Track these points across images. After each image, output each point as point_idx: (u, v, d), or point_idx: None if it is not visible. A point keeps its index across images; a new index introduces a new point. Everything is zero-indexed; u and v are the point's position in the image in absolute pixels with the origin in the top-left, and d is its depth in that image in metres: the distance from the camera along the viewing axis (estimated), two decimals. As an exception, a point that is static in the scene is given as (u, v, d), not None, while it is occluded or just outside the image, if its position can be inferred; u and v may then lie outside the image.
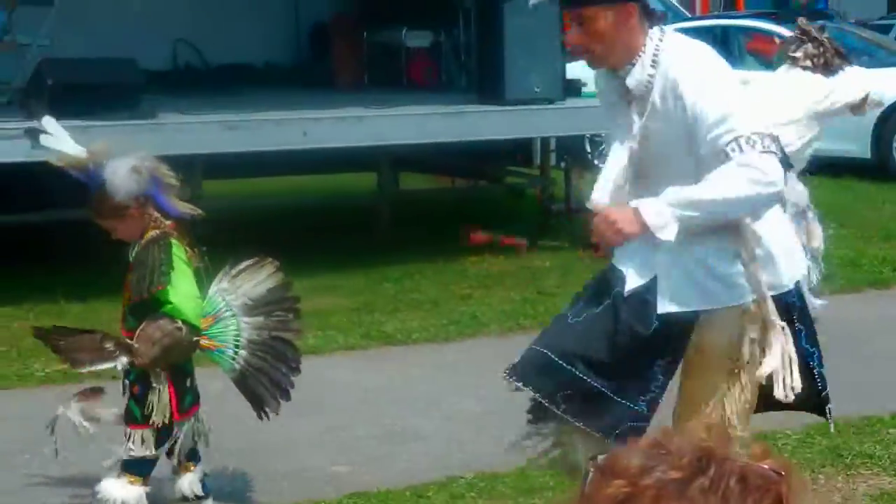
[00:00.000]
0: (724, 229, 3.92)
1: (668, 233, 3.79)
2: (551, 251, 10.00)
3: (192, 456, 5.02)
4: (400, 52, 11.11)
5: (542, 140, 10.93)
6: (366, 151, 9.62)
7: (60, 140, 4.97)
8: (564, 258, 9.70)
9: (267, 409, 5.10)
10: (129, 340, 4.86)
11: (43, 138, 5.01)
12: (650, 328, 3.96)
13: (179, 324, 4.85)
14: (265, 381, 5.10)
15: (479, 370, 6.72)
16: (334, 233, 10.15)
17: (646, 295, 3.97)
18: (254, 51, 11.57)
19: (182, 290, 4.88)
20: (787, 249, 4.08)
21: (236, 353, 5.07)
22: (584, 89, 10.26)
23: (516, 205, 11.79)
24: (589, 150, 12.58)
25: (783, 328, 3.94)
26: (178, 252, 4.89)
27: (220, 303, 5.07)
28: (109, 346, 4.86)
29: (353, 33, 11.60)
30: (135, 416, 4.89)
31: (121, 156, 4.88)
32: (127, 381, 4.91)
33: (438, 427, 6.09)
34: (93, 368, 4.90)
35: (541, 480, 5.34)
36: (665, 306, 3.95)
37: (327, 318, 7.95)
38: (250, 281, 5.10)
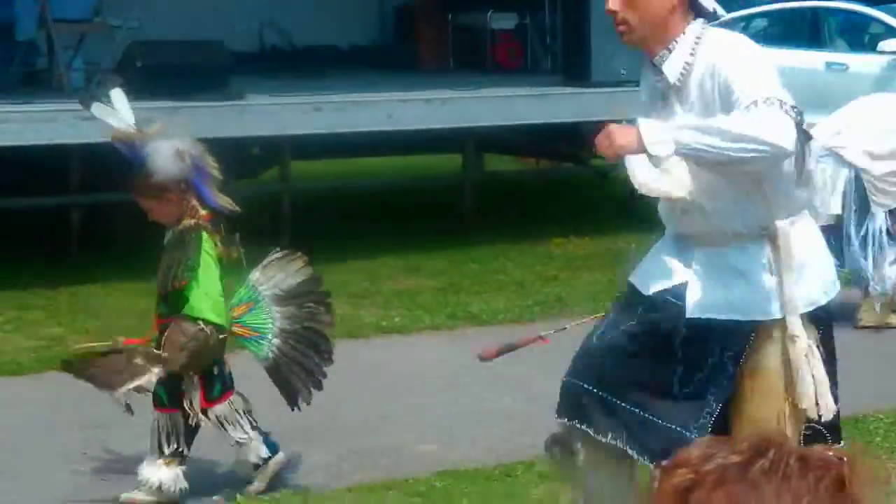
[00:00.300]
0: (761, 237, 3.84)
1: (661, 149, 3.68)
2: (636, 233, 9.93)
3: (248, 434, 5.06)
4: (485, 35, 11.15)
5: (627, 122, 10.92)
6: (451, 133, 9.68)
7: (113, 112, 4.99)
8: (648, 240, 9.67)
9: (299, 399, 5.17)
10: (156, 351, 4.94)
11: (95, 108, 5.04)
12: (680, 335, 3.85)
13: (202, 325, 4.91)
14: (298, 371, 5.17)
15: (564, 351, 6.79)
16: (420, 214, 10.28)
17: (676, 301, 3.88)
18: (339, 33, 11.60)
19: (204, 287, 4.93)
20: (822, 262, 3.99)
21: (269, 341, 5.15)
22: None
23: (600, 186, 11.76)
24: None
25: (810, 346, 3.84)
26: (208, 247, 4.93)
27: (254, 292, 5.14)
28: (139, 360, 4.94)
29: (437, 16, 11.65)
30: (162, 400, 4.98)
31: (168, 137, 4.93)
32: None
33: (524, 407, 6.07)
34: (130, 387, 4.95)
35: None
36: (695, 312, 3.87)
37: (413, 298, 8.11)
38: (281, 272, 5.17)
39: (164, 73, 8.85)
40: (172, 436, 5.04)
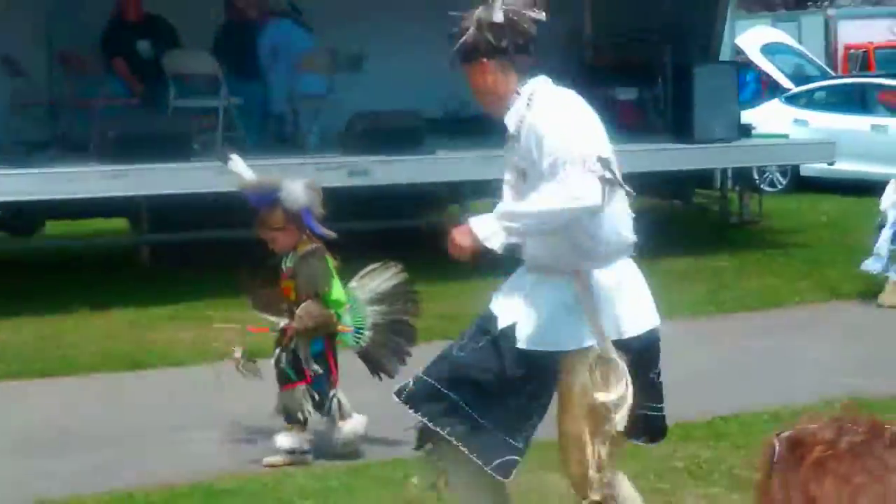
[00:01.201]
0: (571, 274, 3.95)
1: (495, 242, 3.87)
2: (728, 253, 11.38)
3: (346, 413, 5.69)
4: (613, 104, 11.93)
5: (722, 170, 12.42)
6: None
7: (242, 169, 5.69)
8: (739, 259, 11.17)
9: (388, 371, 5.72)
10: (295, 308, 5.60)
11: (231, 164, 5.71)
12: (513, 367, 3.94)
13: (331, 313, 5.64)
14: (385, 353, 5.77)
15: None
16: None
17: (508, 333, 3.96)
18: None
19: (337, 291, 5.65)
20: (631, 301, 4.03)
21: (362, 333, 5.74)
22: (753, 132, 12.11)
23: (702, 218, 13.21)
24: (756, 177, 14.18)
25: (620, 366, 3.92)
26: (331, 263, 5.62)
27: (352, 296, 5.74)
28: (284, 305, 5.66)
29: (577, 90, 13.19)
30: (289, 377, 5.64)
31: (289, 182, 5.60)
32: (282, 355, 5.65)
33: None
34: (265, 316, 5.70)
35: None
36: (525, 344, 3.94)
37: None
38: (377, 279, 5.78)
39: (378, 134, 10.10)
40: (301, 406, 5.64)
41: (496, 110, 4.09)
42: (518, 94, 4.00)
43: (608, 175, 3.75)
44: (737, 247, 11.77)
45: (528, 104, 3.97)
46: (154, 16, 11.16)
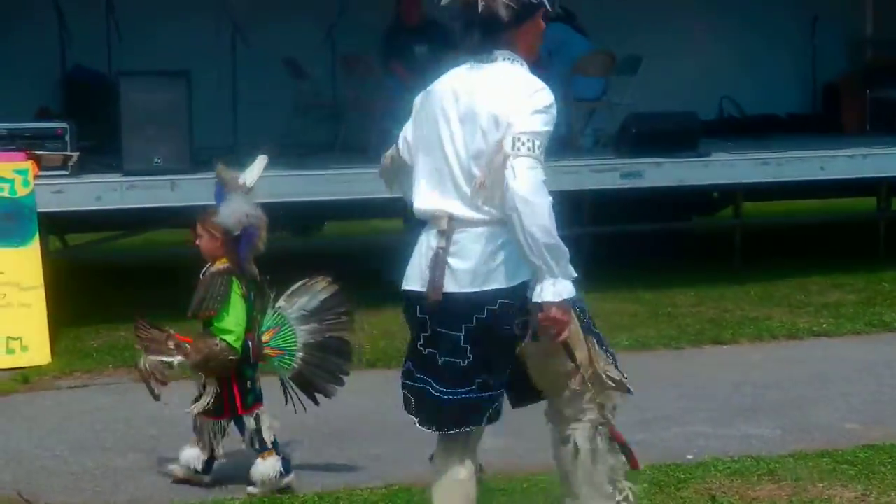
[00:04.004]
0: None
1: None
2: None
3: (270, 445, 5.40)
4: (891, 104, 11.81)
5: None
6: (869, 181, 10.55)
7: (250, 168, 5.40)
8: None
9: (325, 391, 5.52)
10: (185, 344, 5.32)
11: (257, 161, 5.43)
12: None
13: (217, 342, 5.27)
14: (320, 373, 5.49)
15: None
16: (841, 243, 11.25)
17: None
18: (779, 104, 12.59)
19: (230, 318, 5.28)
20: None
21: (293, 355, 5.45)
22: None
23: None
24: None
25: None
26: (236, 288, 5.30)
27: (279, 318, 5.46)
28: (171, 344, 5.34)
29: (858, 90, 12.41)
30: (212, 412, 5.41)
31: (248, 199, 5.28)
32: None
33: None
34: (156, 358, 5.33)
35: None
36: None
37: (838, 309, 9.00)
38: (305, 296, 5.50)
39: (652, 136, 9.93)
40: (210, 437, 5.42)
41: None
42: None
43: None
44: None
45: None
46: (433, 20, 11.26)
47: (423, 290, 3.95)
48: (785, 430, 6.13)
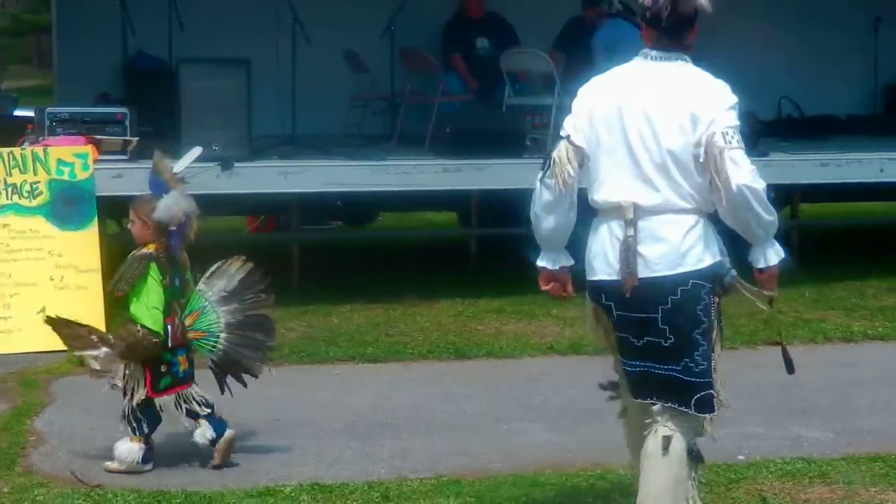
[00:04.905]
0: None
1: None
2: None
3: (197, 416, 5.55)
4: None
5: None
6: None
7: (185, 157, 5.70)
8: None
9: (251, 370, 5.66)
10: (108, 335, 5.54)
11: (190, 152, 5.76)
12: None
13: (138, 328, 5.41)
14: (245, 352, 5.63)
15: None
16: None
17: None
18: (838, 105, 12.50)
19: (146, 301, 5.43)
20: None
21: (217, 337, 5.58)
22: None
23: None
24: None
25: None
26: (154, 273, 5.43)
27: (200, 301, 5.58)
28: (94, 338, 5.53)
29: None
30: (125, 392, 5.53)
31: (185, 197, 5.49)
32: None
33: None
34: (82, 353, 5.56)
35: None
36: None
37: (894, 313, 9.03)
38: (223, 278, 5.63)
39: None
40: (137, 418, 5.54)
41: None
42: None
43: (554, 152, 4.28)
44: None
45: None
46: (494, 14, 11.43)
47: (611, 278, 4.23)
48: (837, 432, 6.16)
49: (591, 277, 4.33)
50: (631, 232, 4.18)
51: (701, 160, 4.12)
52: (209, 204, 9.18)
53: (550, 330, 8.55)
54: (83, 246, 8.31)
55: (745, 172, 4.12)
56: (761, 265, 4.27)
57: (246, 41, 10.63)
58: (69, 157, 8.44)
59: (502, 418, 6.50)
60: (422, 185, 9.39)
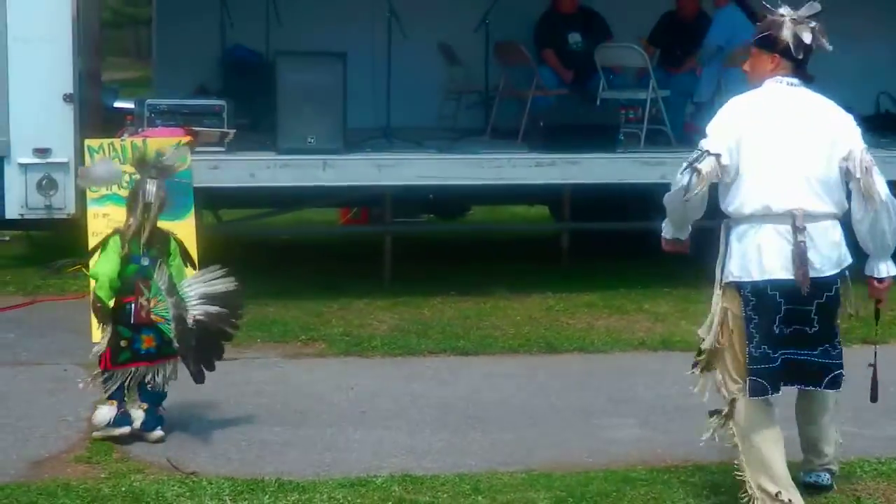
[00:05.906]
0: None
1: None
2: None
3: (149, 398, 5.81)
4: None
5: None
6: None
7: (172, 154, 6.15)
8: None
9: (191, 372, 5.78)
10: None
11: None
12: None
13: (92, 294, 5.80)
14: (192, 353, 5.74)
15: None
16: None
17: None
18: None
19: (100, 269, 5.75)
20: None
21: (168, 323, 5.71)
22: None
23: None
24: None
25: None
26: (115, 244, 5.77)
27: (174, 287, 5.73)
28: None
29: None
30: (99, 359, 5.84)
31: (108, 169, 6.08)
32: None
33: None
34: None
35: None
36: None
37: None
38: (210, 281, 5.84)
39: None
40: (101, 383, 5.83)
41: None
42: None
43: (698, 166, 4.73)
44: None
45: None
46: (587, 9, 11.47)
47: (787, 277, 4.73)
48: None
49: (759, 277, 4.78)
50: (802, 237, 4.70)
51: (845, 173, 4.75)
52: (305, 196, 9.54)
53: (642, 325, 8.59)
54: (180, 236, 8.39)
55: (883, 187, 4.75)
56: (883, 275, 4.88)
57: (342, 34, 10.75)
58: (168, 148, 8.57)
59: (593, 413, 6.54)
60: (515, 178, 9.42)
